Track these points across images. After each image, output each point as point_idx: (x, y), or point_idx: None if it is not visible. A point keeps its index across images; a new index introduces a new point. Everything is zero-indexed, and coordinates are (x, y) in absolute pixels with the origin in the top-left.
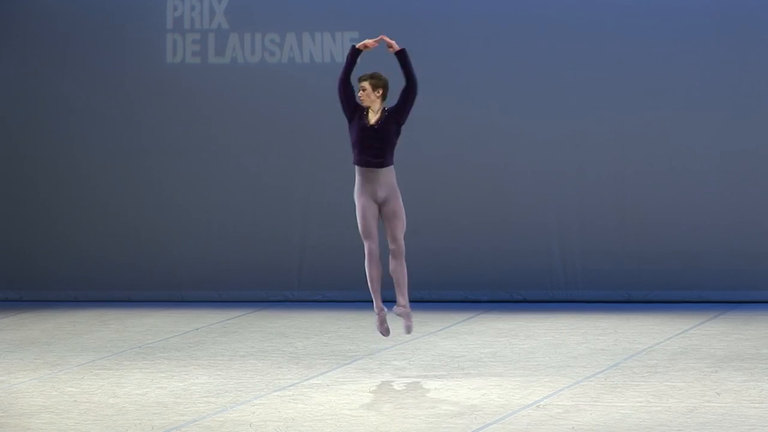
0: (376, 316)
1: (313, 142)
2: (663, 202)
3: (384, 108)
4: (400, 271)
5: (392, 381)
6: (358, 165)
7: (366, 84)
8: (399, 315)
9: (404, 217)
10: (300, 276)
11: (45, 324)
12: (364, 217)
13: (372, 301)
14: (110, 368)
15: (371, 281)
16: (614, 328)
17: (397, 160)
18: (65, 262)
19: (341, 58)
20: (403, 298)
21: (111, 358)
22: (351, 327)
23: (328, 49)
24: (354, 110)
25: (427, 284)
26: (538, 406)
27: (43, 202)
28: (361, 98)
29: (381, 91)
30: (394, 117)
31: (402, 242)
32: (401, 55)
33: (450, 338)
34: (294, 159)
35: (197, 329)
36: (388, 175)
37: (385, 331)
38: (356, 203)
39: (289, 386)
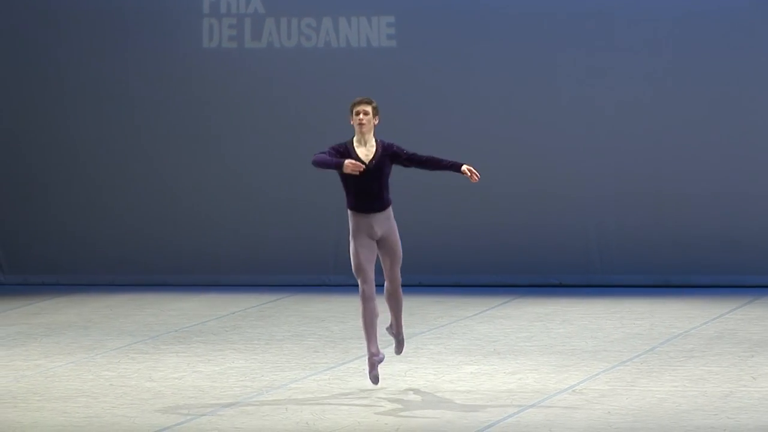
0: (367, 360)
1: (349, 126)
2: (700, 186)
3: (379, 142)
4: (395, 301)
5: (428, 365)
6: (353, 210)
7: (368, 108)
8: (391, 335)
9: (401, 251)
10: (336, 260)
11: (81, 308)
12: (357, 256)
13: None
14: (147, 352)
15: (365, 326)
16: (650, 312)
17: (434, 143)
18: (102, 246)
19: (377, 43)
20: (397, 324)
21: (147, 342)
22: (386, 311)
23: (365, 33)
24: (342, 155)
25: (463, 269)
26: (574, 391)
27: (80, 186)
28: (361, 122)
29: (378, 120)
30: (392, 158)
31: (398, 277)
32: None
33: (486, 323)
34: (331, 142)
35: (233, 313)
36: (387, 213)
37: (374, 379)
38: (351, 242)
39: (326, 370)
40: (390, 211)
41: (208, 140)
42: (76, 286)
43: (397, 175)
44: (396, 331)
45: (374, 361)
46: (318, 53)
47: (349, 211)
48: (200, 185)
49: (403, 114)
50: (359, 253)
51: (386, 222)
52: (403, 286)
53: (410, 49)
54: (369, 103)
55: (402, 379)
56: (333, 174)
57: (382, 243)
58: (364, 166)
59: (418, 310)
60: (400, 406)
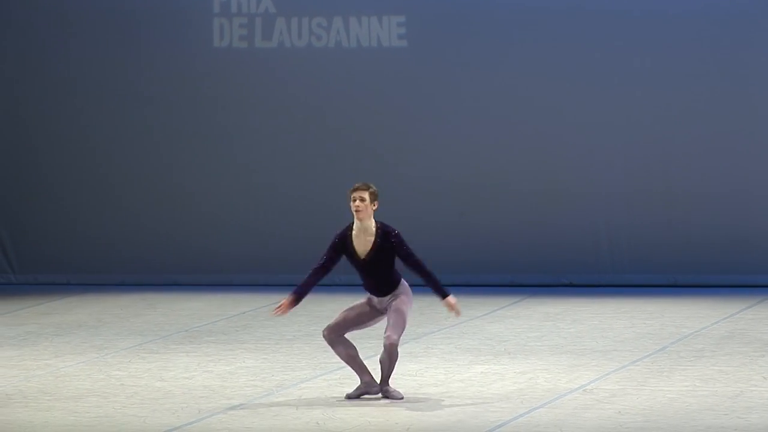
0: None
1: (359, 125)
2: (710, 186)
3: (379, 230)
4: (387, 364)
5: (438, 365)
6: (366, 290)
7: (365, 195)
8: (386, 396)
9: (406, 317)
10: (346, 260)
11: (92, 308)
12: (346, 312)
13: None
14: (157, 352)
15: (349, 363)
16: (661, 312)
17: (446, 143)
18: (112, 245)
19: (388, 43)
20: (384, 383)
21: (158, 342)
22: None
23: (375, 33)
24: (340, 251)
25: (473, 268)
26: (584, 390)
27: (91, 186)
28: (357, 209)
29: (376, 205)
30: (390, 251)
31: (396, 339)
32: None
33: (496, 322)
34: (341, 142)
35: (244, 313)
36: (397, 293)
37: (349, 397)
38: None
39: (336, 370)
40: (399, 288)
41: (219, 140)
42: (86, 285)
43: (405, 173)
44: (386, 386)
45: (367, 388)
46: (329, 53)
47: None
48: (211, 185)
49: (414, 113)
50: (351, 313)
51: (393, 298)
52: (413, 286)
53: (421, 49)
54: (366, 189)
55: (412, 379)
56: (342, 173)
57: (388, 307)
58: (288, 306)
59: (428, 309)
60: (410, 406)
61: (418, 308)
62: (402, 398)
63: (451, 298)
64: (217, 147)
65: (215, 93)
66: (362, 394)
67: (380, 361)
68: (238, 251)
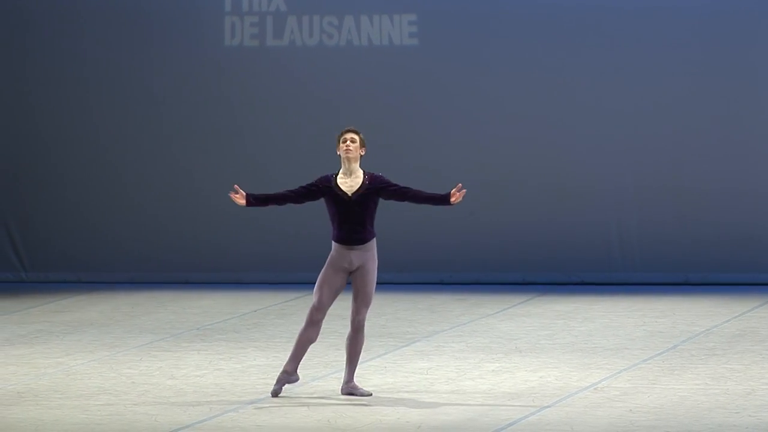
0: (279, 375)
1: (371, 124)
2: (721, 184)
3: (366, 174)
4: (355, 345)
5: (449, 364)
6: (335, 242)
7: (356, 137)
8: (348, 394)
9: (373, 290)
10: None
11: (103, 306)
12: (321, 289)
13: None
14: (168, 350)
15: (297, 345)
16: (672, 310)
17: (457, 142)
18: (124, 243)
19: (399, 41)
20: (350, 375)
21: (169, 340)
22: (408, 309)
23: (387, 31)
24: (321, 190)
25: (483, 266)
26: (595, 389)
27: (102, 184)
28: (348, 150)
29: (364, 151)
30: (378, 192)
31: (364, 317)
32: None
33: (507, 320)
34: None
35: (255, 311)
36: (369, 247)
37: (273, 393)
38: (323, 270)
39: None
40: (372, 244)
41: (230, 138)
42: (97, 283)
43: (416, 171)
44: (351, 383)
45: (284, 378)
46: (340, 51)
47: (332, 243)
48: (222, 183)
49: (425, 112)
50: (325, 285)
51: (365, 254)
52: (424, 284)
53: (432, 48)
54: (357, 132)
55: (423, 377)
56: None
57: (356, 275)
58: (242, 199)
59: (440, 308)
60: (421, 404)
61: (429, 306)
62: (370, 395)
63: (453, 197)
64: (229, 145)
65: (226, 91)
66: (284, 385)
67: (347, 344)
68: (249, 249)
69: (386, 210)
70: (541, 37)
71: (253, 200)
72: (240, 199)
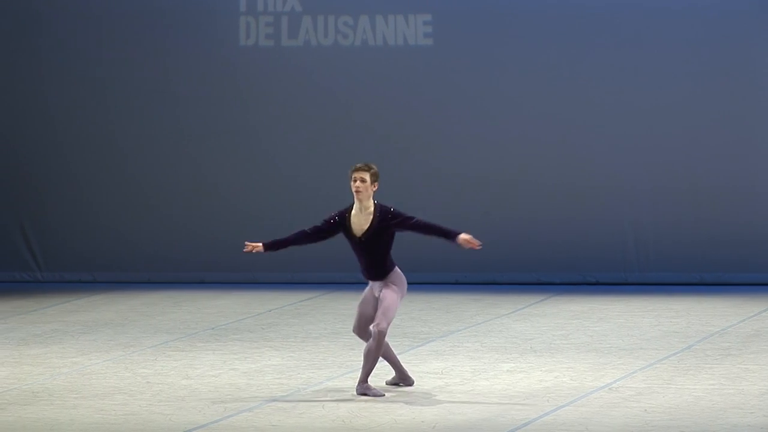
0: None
1: (385, 123)
2: (736, 184)
3: (377, 210)
4: (372, 356)
5: (465, 363)
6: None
7: (366, 176)
8: (362, 394)
9: (392, 306)
10: None
11: (118, 305)
12: (363, 311)
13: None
14: (183, 349)
15: (386, 359)
16: (687, 310)
17: (471, 141)
18: (139, 243)
19: (414, 41)
20: (365, 375)
21: (184, 340)
22: (423, 309)
23: (401, 31)
24: (335, 227)
25: (498, 267)
26: (610, 389)
27: (117, 184)
28: (358, 190)
29: (376, 186)
30: (391, 226)
31: (383, 328)
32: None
33: (522, 320)
34: (367, 140)
35: (270, 311)
36: (387, 280)
37: (378, 393)
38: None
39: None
40: (391, 277)
41: (246, 138)
42: (112, 283)
43: (430, 171)
44: (365, 383)
45: (401, 379)
46: (355, 51)
47: None
48: (237, 183)
49: (440, 112)
50: (361, 312)
51: (384, 285)
52: (439, 284)
53: (447, 48)
54: (368, 170)
55: (439, 377)
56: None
57: (379, 296)
58: (259, 248)
59: (455, 308)
60: (436, 404)
61: (445, 306)
62: (383, 395)
63: (463, 236)
64: (244, 145)
65: (241, 91)
66: (396, 384)
67: (365, 352)
68: None
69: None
70: (555, 37)
71: (271, 245)
72: (258, 248)
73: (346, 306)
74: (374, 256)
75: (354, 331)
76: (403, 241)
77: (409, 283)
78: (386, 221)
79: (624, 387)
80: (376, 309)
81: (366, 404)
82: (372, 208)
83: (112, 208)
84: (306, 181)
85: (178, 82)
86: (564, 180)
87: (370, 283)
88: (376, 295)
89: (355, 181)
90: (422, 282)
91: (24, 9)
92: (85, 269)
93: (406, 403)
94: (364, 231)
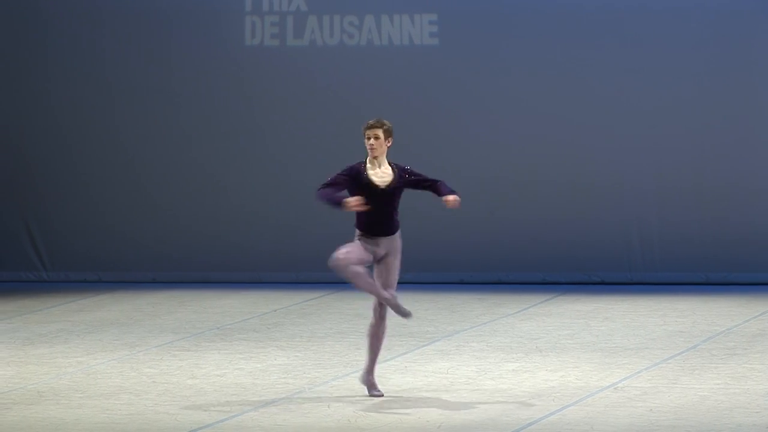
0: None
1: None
2: (741, 183)
3: (394, 166)
4: (377, 333)
5: (470, 363)
6: (361, 231)
7: (379, 132)
8: (367, 384)
9: (396, 278)
10: None
11: (123, 305)
12: (351, 252)
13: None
14: (189, 349)
15: (365, 285)
16: (692, 310)
17: (476, 141)
18: (144, 242)
19: (420, 41)
20: (371, 364)
21: (189, 339)
22: (429, 309)
23: (407, 31)
24: (350, 181)
25: (504, 266)
26: (616, 388)
27: (123, 183)
28: (372, 147)
29: (390, 142)
30: (406, 182)
31: (394, 294)
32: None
33: (528, 320)
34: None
35: (275, 310)
36: (395, 237)
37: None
38: (347, 244)
39: None
40: (398, 234)
41: (251, 137)
42: (118, 283)
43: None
44: (371, 376)
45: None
46: (360, 51)
47: (356, 230)
48: (242, 182)
49: (445, 112)
50: (354, 248)
51: (392, 243)
52: (445, 283)
53: (453, 48)
54: (381, 126)
55: (444, 377)
56: None
57: (381, 263)
58: (366, 205)
59: (460, 307)
60: (442, 404)
61: (450, 306)
62: (382, 396)
63: (450, 197)
64: (249, 145)
65: (246, 91)
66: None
67: (370, 332)
68: (270, 248)
69: (406, 210)
70: (561, 36)
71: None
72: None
73: (351, 306)
74: (391, 209)
75: (337, 260)
76: (406, 241)
77: (414, 283)
78: (409, 177)
79: (629, 387)
80: (367, 257)
81: (372, 404)
82: (387, 164)
83: (117, 207)
84: (311, 180)
85: (182, 81)
86: (569, 180)
87: (370, 240)
88: (381, 252)
89: (369, 138)
90: (427, 282)
91: (29, 8)
92: (90, 269)
93: (412, 402)
94: (387, 183)
